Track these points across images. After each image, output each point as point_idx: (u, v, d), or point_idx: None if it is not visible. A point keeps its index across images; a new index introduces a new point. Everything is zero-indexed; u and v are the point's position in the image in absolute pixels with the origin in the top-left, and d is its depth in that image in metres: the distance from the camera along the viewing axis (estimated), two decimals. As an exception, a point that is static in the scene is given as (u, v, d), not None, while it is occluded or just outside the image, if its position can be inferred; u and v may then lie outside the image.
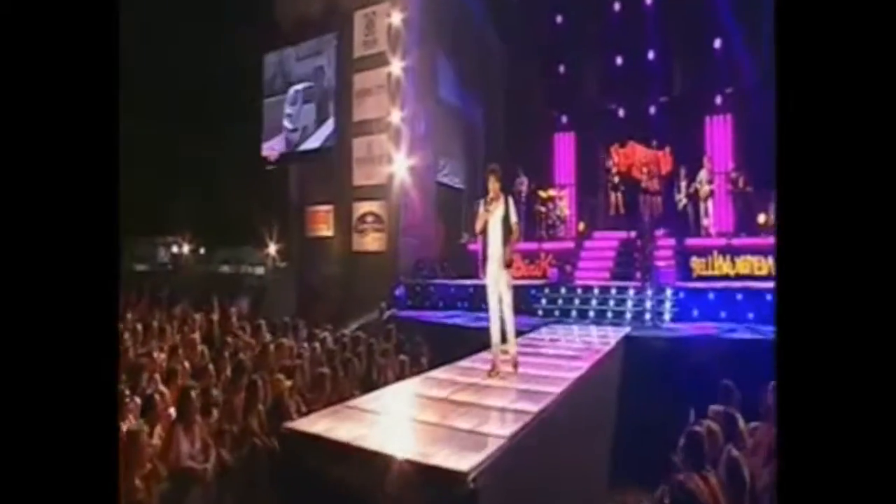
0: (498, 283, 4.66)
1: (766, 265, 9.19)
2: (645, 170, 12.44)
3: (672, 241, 10.41)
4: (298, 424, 3.33)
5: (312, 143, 13.14)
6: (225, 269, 24.78)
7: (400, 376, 5.67)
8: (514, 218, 4.66)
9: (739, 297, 8.35)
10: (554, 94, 14.05)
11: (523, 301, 8.95)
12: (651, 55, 12.76)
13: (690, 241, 10.32)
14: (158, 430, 3.60)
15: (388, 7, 11.97)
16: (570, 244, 11.76)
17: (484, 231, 4.69)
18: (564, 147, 14.21)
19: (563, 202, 13.01)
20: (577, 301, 9.40)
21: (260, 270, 21.67)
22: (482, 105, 14.57)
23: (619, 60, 13.19)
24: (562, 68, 13.86)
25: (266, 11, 13.97)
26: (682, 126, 12.33)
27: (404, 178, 11.82)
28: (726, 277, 9.45)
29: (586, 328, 8.29)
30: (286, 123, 13.47)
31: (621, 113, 13.38)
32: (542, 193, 12.18)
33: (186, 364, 4.66)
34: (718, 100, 12.33)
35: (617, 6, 13.26)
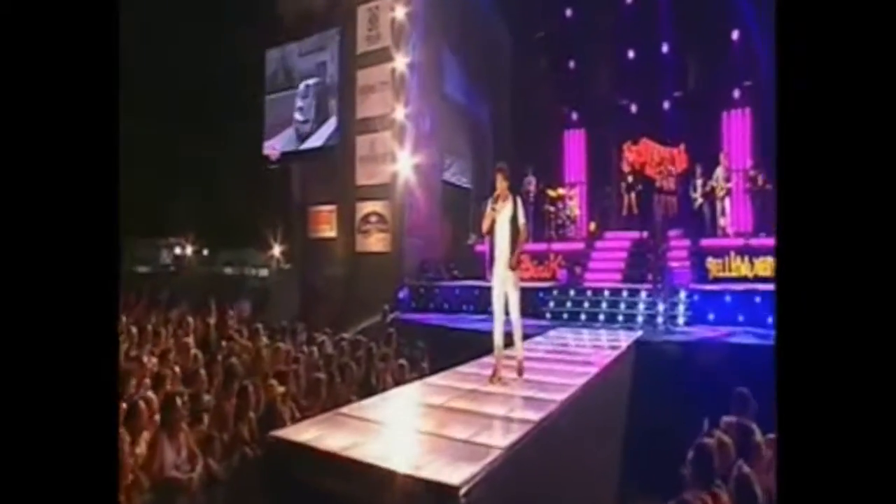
0: (504, 285, 4.63)
1: (786, 266, 8.97)
2: (659, 168, 12.28)
3: (687, 242, 10.26)
4: (286, 433, 3.28)
5: (315, 141, 13.15)
6: (228, 270, 24.92)
7: (399, 382, 5.61)
8: (521, 219, 4.63)
9: (758, 299, 8.15)
10: (564, 89, 13.93)
11: (531, 303, 8.86)
12: (665, 48, 12.60)
13: (706, 242, 10.16)
14: (146, 436, 3.56)
15: (391, 1, 11.95)
16: (581, 245, 11.66)
17: (491, 231, 4.67)
18: (575, 144, 14.07)
19: (574, 201, 12.90)
20: (586, 304, 9.31)
21: (264, 272, 21.78)
22: (489, 101, 14.50)
23: (631, 54, 13.04)
24: (572, 63, 13.75)
25: (268, 6, 14.02)
26: (697, 122, 12.14)
27: (409, 176, 11.79)
28: (744, 279, 9.26)
29: (596, 332, 8.18)
30: (297, 116, 13.48)
31: (634, 109, 13.22)
32: (552, 192, 12.07)
33: (177, 369, 4.63)
34: (736, 94, 12.13)
35: (629, -3, 13.13)
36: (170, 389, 3.87)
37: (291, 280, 14.57)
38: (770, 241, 9.42)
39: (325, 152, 12.93)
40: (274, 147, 13.84)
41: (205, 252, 26.06)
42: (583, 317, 9.10)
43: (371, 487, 2.66)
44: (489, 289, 4.83)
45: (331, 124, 12.89)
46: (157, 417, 3.53)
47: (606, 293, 9.34)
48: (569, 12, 13.77)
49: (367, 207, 12.37)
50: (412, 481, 2.52)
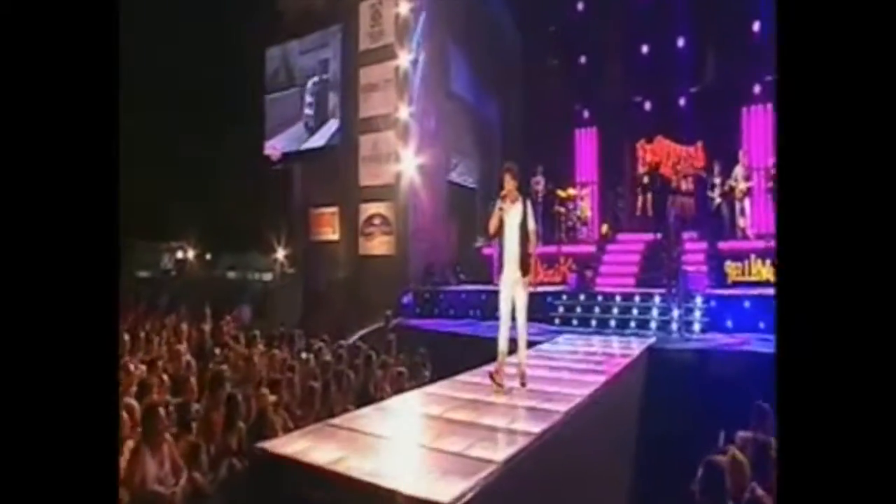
0: (512, 290, 4.62)
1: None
2: (675, 167, 12.15)
3: (704, 244, 10.10)
4: (273, 444, 3.23)
5: (316, 141, 13.18)
6: (231, 275, 25.08)
7: (399, 390, 5.55)
8: (531, 224, 4.61)
9: (779, 305, 7.98)
10: (575, 86, 13.84)
11: (540, 308, 8.79)
12: (681, 42, 12.49)
13: (725, 244, 10.02)
14: (128, 447, 3.53)
15: (394, -4, 11.95)
16: (592, 248, 11.55)
17: (498, 233, 4.64)
18: (586, 143, 13.97)
19: (585, 202, 12.79)
20: (597, 309, 9.20)
21: (268, 276, 21.89)
22: (497, 99, 14.46)
23: (645, 49, 12.94)
24: (583, 58, 13.68)
25: (268, 3, 14.09)
26: (715, 118, 11.99)
27: (413, 177, 11.75)
28: (765, 284, 9.07)
29: (607, 338, 8.06)
30: (307, 111, 13.52)
31: (648, 106, 13.12)
32: (562, 193, 11.96)
33: (165, 377, 4.61)
34: (757, 89, 11.95)
35: (642, -10, 13.03)
36: (156, 399, 3.84)
37: (296, 284, 14.60)
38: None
39: (327, 152, 12.94)
40: (275, 147, 13.89)
41: (207, 256, 26.24)
42: (593, 323, 8.99)
43: (357, 503, 2.60)
44: (497, 293, 4.82)
45: (333, 123, 12.91)
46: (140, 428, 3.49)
47: (618, 298, 9.22)
48: (580, 6, 13.71)
49: (370, 209, 12.36)
50: (399, 498, 2.45)
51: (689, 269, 8.82)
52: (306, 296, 13.63)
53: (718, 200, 10.92)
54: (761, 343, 7.16)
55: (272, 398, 4.47)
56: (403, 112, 11.75)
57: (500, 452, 3.01)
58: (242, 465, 3.82)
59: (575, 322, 9.12)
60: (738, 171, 10.66)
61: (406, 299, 11.14)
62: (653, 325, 8.50)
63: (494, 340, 4.83)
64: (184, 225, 21.33)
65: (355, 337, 9.30)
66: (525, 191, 4.88)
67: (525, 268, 4.58)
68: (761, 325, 7.96)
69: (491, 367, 4.78)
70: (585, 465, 4.05)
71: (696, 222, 11.27)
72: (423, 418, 3.88)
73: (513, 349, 4.77)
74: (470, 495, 2.43)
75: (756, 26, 11.68)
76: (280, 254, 19.34)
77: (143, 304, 10.61)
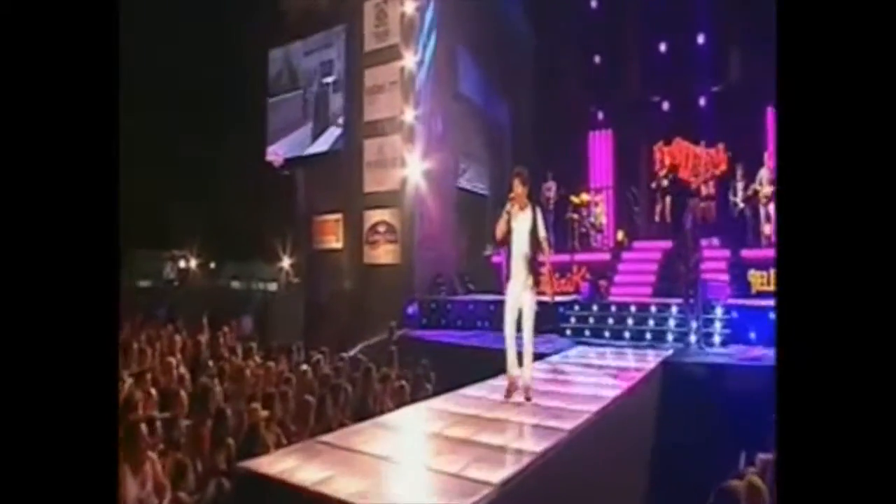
0: (519, 300, 4.59)
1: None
2: (694, 170, 12.02)
3: (726, 252, 9.95)
4: (259, 463, 3.21)
5: (320, 145, 13.24)
6: (235, 284, 25.23)
7: (401, 404, 5.50)
8: (542, 232, 4.59)
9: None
10: (589, 86, 13.80)
11: (551, 319, 8.70)
12: (701, 39, 12.38)
13: (748, 252, 9.86)
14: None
15: (400, -6, 12.00)
16: (606, 256, 11.45)
17: (506, 240, 4.60)
18: (601, 146, 13.87)
19: (600, 208, 12.69)
20: (611, 320, 9.11)
21: (273, 286, 21.99)
22: (507, 101, 14.43)
23: (662, 47, 12.86)
24: (597, 58, 13.63)
25: (269, 3, 14.24)
26: (738, 119, 11.80)
27: (420, 183, 11.72)
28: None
29: (621, 351, 7.95)
30: (310, 114, 13.58)
31: (666, 106, 13.00)
32: (575, 199, 11.89)
33: (153, 391, 4.60)
34: (782, 87, 11.81)
35: (660, -15, 12.97)
36: (140, 415, 3.83)
37: (299, 294, 14.64)
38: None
39: (331, 157, 12.99)
40: (277, 153, 13.98)
41: (211, 265, 26.41)
42: (606, 334, 8.89)
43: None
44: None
45: (336, 128, 12.96)
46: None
47: (633, 308, 9.11)
48: (594, 3, 13.68)
49: (375, 216, 12.34)
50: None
51: (709, 277, 8.68)
52: (309, 306, 13.63)
53: (741, 205, 10.78)
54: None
55: (264, 413, 4.44)
56: (409, 115, 11.75)
57: (498, 473, 2.95)
58: (231, 484, 3.79)
59: (587, 333, 9.03)
60: (763, 174, 10.49)
61: (411, 309, 11.09)
62: (670, 336, 8.38)
63: (502, 352, 4.80)
64: (185, 231, 21.51)
65: (356, 349, 9.27)
66: (536, 198, 4.84)
67: (535, 276, 4.54)
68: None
69: (499, 382, 4.74)
70: (592, 487, 3.96)
71: (718, 228, 11.11)
72: (420, 435, 3.83)
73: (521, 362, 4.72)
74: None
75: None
76: (285, 262, 19.43)
77: (139, 315, 10.67)
